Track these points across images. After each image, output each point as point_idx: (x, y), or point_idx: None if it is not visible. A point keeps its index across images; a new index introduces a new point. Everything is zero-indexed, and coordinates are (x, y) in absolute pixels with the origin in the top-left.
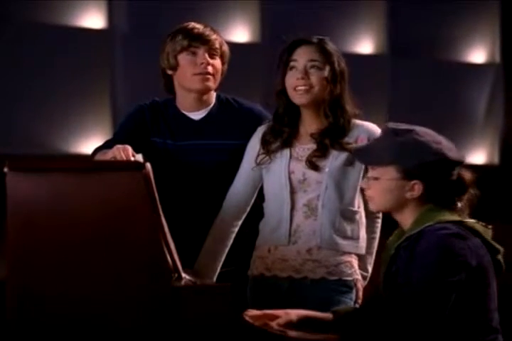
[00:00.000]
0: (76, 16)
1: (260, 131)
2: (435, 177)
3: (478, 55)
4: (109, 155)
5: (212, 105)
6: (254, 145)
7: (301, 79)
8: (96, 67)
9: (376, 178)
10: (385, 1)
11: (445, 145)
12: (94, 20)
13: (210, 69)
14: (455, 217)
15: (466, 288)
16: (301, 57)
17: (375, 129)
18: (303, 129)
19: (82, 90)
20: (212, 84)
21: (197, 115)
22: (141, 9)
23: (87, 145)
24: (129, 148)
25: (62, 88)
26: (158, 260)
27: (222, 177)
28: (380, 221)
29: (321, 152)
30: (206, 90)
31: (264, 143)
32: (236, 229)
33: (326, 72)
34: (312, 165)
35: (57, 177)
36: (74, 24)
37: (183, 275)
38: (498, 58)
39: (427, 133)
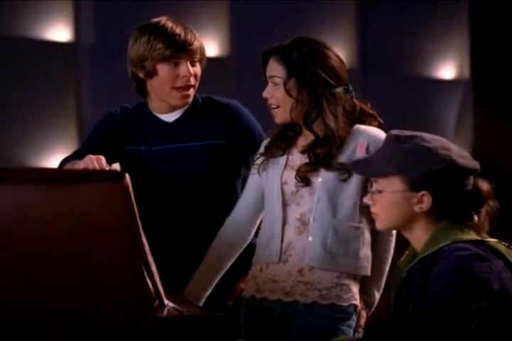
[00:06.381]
0: (42, 29)
1: (263, 144)
2: (445, 187)
3: (447, 71)
4: (80, 165)
5: (186, 106)
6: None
7: (267, 99)
8: (62, 80)
9: (380, 191)
10: (355, 17)
11: (455, 151)
12: (60, 33)
13: (192, 80)
14: (474, 236)
15: (488, 317)
16: (267, 73)
17: (377, 135)
18: (303, 137)
19: (48, 103)
20: (191, 98)
21: (170, 117)
22: (108, 22)
23: (53, 159)
24: (103, 158)
25: (28, 101)
26: (138, 284)
27: (205, 184)
28: (393, 239)
29: (312, 167)
30: (184, 105)
31: (269, 145)
32: (235, 257)
33: (291, 86)
34: (303, 179)
35: (21, 189)
36: (40, 37)
37: (166, 302)
38: (467, 74)
39: (434, 139)
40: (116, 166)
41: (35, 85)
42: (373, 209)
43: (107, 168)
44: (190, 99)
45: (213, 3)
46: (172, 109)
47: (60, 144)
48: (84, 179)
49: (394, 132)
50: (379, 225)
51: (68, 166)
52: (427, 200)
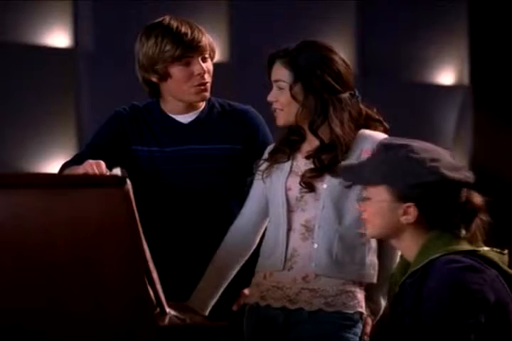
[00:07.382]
0: (41, 35)
1: (267, 150)
2: (432, 199)
3: (446, 77)
4: (79, 171)
5: (202, 108)
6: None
7: (272, 103)
8: (61, 85)
9: (368, 199)
10: (354, 23)
11: (445, 163)
12: (59, 38)
13: (207, 77)
14: (466, 246)
15: (486, 330)
16: (272, 76)
17: None
18: (307, 143)
19: (47, 109)
20: (208, 93)
21: (186, 118)
22: (107, 28)
23: (52, 165)
24: (103, 164)
25: (26, 106)
26: (138, 291)
27: (215, 188)
28: None
29: (317, 172)
30: (203, 100)
31: (273, 151)
32: (239, 265)
33: (297, 91)
34: (308, 185)
35: (20, 195)
36: (38, 42)
37: (168, 310)
38: (466, 80)
39: (423, 150)
40: (117, 171)
41: (34, 91)
42: (364, 216)
43: (107, 174)
44: (208, 94)
45: (213, 7)
46: (188, 109)
47: (59, 149)
48: (85, 184)
49: (385, 140)
50: (368, 232)
51: (67, 172)
52: (412, 212)
